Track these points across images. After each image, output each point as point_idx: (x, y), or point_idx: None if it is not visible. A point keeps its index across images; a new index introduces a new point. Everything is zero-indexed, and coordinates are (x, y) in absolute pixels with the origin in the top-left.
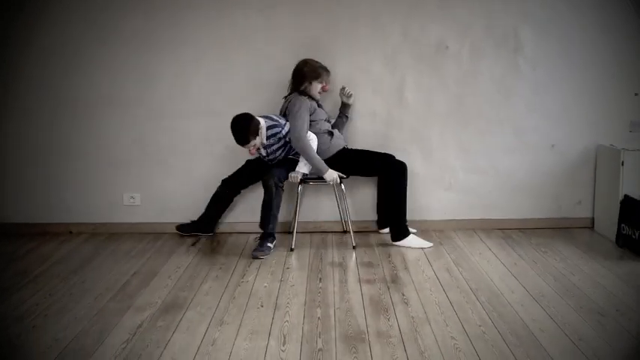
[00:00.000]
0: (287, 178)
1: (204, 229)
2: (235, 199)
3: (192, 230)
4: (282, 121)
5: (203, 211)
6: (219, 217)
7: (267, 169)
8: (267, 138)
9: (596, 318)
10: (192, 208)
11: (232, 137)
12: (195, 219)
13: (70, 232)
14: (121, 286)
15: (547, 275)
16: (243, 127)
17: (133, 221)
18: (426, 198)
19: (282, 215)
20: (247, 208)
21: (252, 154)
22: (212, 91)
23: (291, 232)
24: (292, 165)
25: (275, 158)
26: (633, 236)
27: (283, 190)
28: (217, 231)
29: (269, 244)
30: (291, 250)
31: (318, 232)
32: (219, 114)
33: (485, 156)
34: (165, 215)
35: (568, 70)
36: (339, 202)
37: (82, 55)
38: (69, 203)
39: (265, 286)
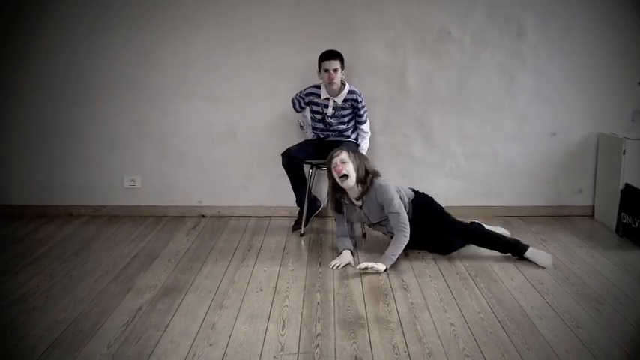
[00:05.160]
0: None
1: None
2: (239, 182)
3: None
4: (364, 101)
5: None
6: (305, 187)
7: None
8: (345, 101)
9: (594, 306)
10: (193, 192)
11: (233, 120)
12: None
13: (71, 215)
14: (121, 268)
15: None
16: (340, 54)
17: (134, 204)
18: (426, 184)
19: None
20: (247, 192)
21: (330, 78)
22: (211, 75)
23: (302, 217)
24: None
25: (338, 130)
26: (633, 225)
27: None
28: (221, 214)
29: None
30: (301, 235)
31: (320, 218)
32: (219, 98)
33: (486, 143)
34: (165, 198)
35: (570, 57)
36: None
37: (83, 40)
38: (69, 185)
39: (265, 270)
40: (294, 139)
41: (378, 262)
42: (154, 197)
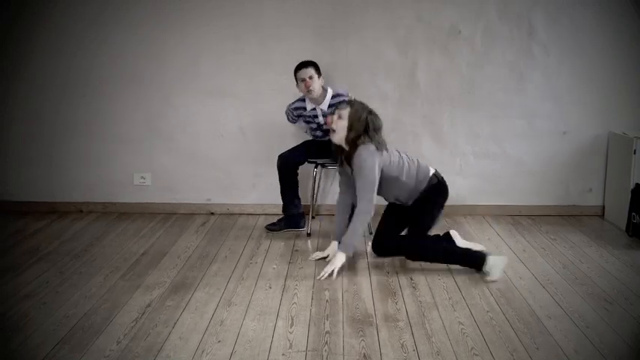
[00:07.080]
0: None
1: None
2: (248, 179)
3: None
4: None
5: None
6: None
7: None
8: (331, 106)
9: (603, 305)
10: (203, 189)
11: (243, 118)
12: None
13: (81, 211)
14: (130, 265)
15: (555, 262)
16: (313, 62)
17: (143, 201)
18: None
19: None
20: (257, 190)
21: (306, 86)
22: (222, 70)
23: (308, 217)
24: None
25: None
26: None
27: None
28: (230, 212)
29: None
30: (308, 235)
31: (331, 215)
32: (229, 94)
33: (496, 141)
34: (175, 195)
35: (581, 56)
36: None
37: (93, 34)
38: (80, 182)
39: (274, 268)
40: (303, 137)
41: (335, 256)
42: (163, 194)
